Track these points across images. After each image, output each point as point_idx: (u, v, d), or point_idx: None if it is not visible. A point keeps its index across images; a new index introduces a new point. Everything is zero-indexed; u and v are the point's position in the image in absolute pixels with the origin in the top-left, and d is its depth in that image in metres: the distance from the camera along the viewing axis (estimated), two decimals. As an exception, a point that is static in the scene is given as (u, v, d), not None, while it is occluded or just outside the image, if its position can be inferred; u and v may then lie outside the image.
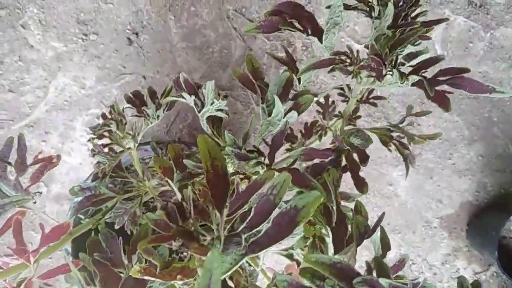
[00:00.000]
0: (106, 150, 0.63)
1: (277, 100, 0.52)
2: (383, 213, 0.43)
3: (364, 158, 0.57)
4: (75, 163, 1.24)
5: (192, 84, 0.48)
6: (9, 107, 1.23)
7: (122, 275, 0.52)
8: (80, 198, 0.64)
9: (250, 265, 0.71)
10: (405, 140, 0.71)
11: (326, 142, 0.67)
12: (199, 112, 0.47)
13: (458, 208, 1.35)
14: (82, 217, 0.74)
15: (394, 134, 0.70)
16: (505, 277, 1.34)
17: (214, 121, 0.47)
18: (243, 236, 0.34)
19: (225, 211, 0.34)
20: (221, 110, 0.46)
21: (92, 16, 1.25)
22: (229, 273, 0.30)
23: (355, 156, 0.58)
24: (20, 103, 1.23)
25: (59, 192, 1.24)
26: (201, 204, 0.34)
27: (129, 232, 0.66)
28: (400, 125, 0.70)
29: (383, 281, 0.32)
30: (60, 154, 1.25)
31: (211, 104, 0.46)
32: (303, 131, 0.66)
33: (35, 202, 0.63)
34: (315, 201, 0.32)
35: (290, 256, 0.72)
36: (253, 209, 0.34)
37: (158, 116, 0.60)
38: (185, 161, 0.44)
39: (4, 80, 1.23)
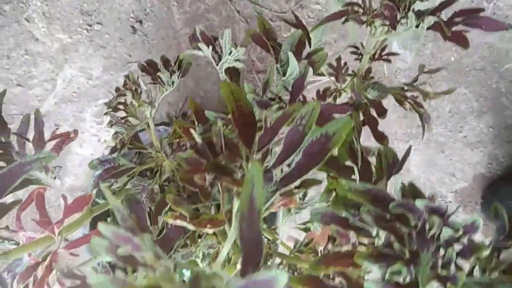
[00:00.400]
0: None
1: (291, 56, 0.52)
2: (410, 146, 0.43)
3: (382, 112, 0.57)
4: (87, 154, 1.25)
5: (209, 36, 0.48)
6: (18, 101, 1.23)
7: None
8: (99, 171, 0.64)
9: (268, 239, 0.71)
10: (419, 100, 0.70)
11: (341, 104, 0.67)
12: (217, 64, 0.47)
13: (471, 181, 1.35)
14: (100, 200, 0.74)
15: (408, 94, 0.70)
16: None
17: (231, 73, 0.47)
18: (274, 171, 0.34)
19: (255, 148, 0.34)
20: (238, 60, 0.46)
21: (96, 6, 1.25)
22: (262, 211, 0.30)
23: (372, 111, 0.58)
24: (29, 96, 1.23)
25: (72, 184, 1.25)
26: (231, 140, 0.34)
27: (147, 210, 0.66)
28: (413, 86, 0.70)
29: (419, 202, 0.32)
30: (71, 146, 1.26)
31: (229, 53, 0.46)
32: (315, 98, 0.66)
33: (54, 178, 0.64)
34: (346, 126, 0.32)
35: (307, 230, 0.72)
36: (282, 143, 0.34)
37: (173, 83, 0.60)
38: (207, 112, 0.44)
39: (12, 75, 1.23)
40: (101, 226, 0.27)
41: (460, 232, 0.33)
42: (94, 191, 0.62)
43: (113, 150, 0.64)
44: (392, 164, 0.37)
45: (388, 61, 0.64)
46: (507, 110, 1.35)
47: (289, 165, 0.34)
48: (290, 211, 0.79)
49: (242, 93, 0.36)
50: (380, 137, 0.55)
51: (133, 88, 0.60)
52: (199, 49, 0.47)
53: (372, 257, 0.31)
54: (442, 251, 0.33)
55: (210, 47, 0.47)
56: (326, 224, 0.34)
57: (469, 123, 1.34)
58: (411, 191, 0.34)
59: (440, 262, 0.33)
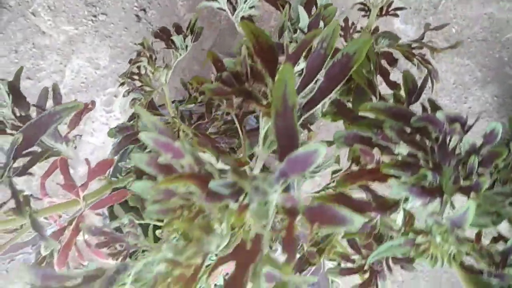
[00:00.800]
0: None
1: (301, 10, 0.53)
2: (428, 74, 0.44)
3: (392, 61, 0.58)
4: (98, 143, 1.26)
5: (223, -12, 0.49)
6: (28, 94, 1.24)
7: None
8: (118, 140, 0.65)
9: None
10: (426, 57, 0.72)
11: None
12: (232, 14, 0.49)
13: (478, 151, 1.36)
14: (119, 176, 0.76)
15: (416, 52, 0.71)
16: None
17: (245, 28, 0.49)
18: (297, 97, 0.35)
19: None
20: (253, 7, 0.48)
21: (99, -3, 1.27)
22: (296, 106, 0.31)
23: (383, 62, 0.60)
24: (39, 89, 1.25)
25: (85, 173, 1.26)
26: (256, 67, 0.36)
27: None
28: (421, 42, 0.71)
29: (439, 114, 0.33)
30: (82, 135, 1.27)
31: (244, 2, 0.47)
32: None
33: (75, 147, 0.65)
34: (366, 44, 0.33)
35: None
36: (304, 68, 0.35)
37: (186, 47, 0.61)
38: (225, 60, 0.45)
39: (21, 68, 1.25)
40: (142, 134, 0.28)
41: (480, 142, 0.34)
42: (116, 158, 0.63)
43: (131, 117, 0.65)
44: (412, 89, 0.39)
45: (396, 15, 0.65)
46: (511, 78, 1.36)
47: (312, 89, 0.35)
48: (304, 176, 0.81)
49: (261, 30, 0.37)
50: (393, 85, 0.56)
51: (148, 55, 0.62)
52: (216, 0, 0.49)
53: (398, 166, 0.32)
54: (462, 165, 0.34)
55: (225, -1, 0.48)
56: (350, 145, 0.36)
57: (474, 94, 1.35)
58: (431, 107, 0.35)
59: (461, 174, 0.34)
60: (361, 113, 0.36)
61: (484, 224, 0.36)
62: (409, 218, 0.36)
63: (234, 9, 0.49)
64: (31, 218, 0.40)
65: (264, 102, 0.36)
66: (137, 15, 1.28)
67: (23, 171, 0.41)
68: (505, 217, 0.35)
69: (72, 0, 1.26)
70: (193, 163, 0.28)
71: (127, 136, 0.64)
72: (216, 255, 0.31)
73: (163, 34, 0.61)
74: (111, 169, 0.73)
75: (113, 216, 0.68)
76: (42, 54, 1.25)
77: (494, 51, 1.35)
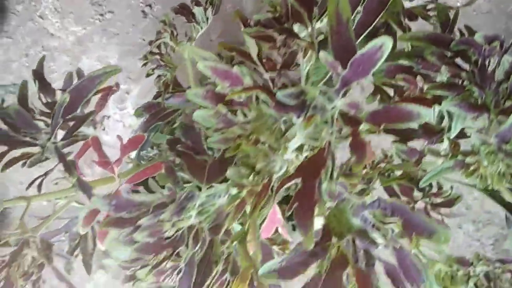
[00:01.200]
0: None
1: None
2: (458, 10, 0.45)
3: (413, 16, 0.59)
4: (113, 141, 1.27)
5: None
6: (41, 96, 1.26)
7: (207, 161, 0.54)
8: (145, 118, 0.66)
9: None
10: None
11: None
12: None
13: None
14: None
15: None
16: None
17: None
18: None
19: (316, 15, 0.36)
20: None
21: (105, -4, 1.28)
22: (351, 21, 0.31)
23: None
24: (51, 90, 1.26)
25: (102, 171, 1.27)
26: (295, 9, 0.36)
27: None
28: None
29: (477, 36, 0.34)
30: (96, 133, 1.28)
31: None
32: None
33: (104, 129, 0.66)
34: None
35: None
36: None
37: (207, 19, 0.62)
38: (255, 16, 0.46)
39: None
40: (200, 64, 0.29)
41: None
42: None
43: (157, 95, 0.66)
44: (445, 21, 0.39)
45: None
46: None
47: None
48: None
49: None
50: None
51: (170, 31, 0.63)
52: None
53: (443, 87, 0.33)
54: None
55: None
56: (392, 76, 0.37)
57: None
58: (468, 32, 0.36)
59: (503, 94, 0.35)
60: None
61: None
62: (455, 145, 0.37)
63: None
64: (78, 180, 0.41)
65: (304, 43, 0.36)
66: (143, 11, 1.29)
67: (68, 135, 0.42)
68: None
69: (78, 1, 1.27)
70: (251, 83, 0.28)
71: (154, 113, 0.65)
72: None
73: (183, 9, 0.62)
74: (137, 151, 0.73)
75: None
76: (52, 55, 1.26)
77: (501, 23, 1.36)
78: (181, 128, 0.57)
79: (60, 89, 0.66)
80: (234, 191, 0.29)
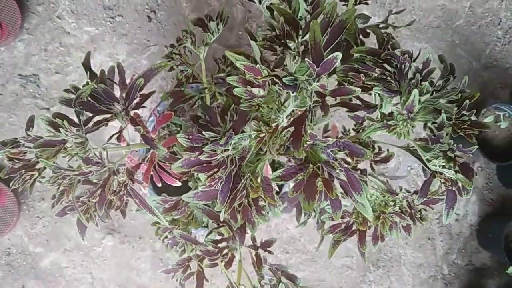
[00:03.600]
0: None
1: (302, 2, 0.77)
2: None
3: (365, 35, 0.83)
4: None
5: (254, -15, 0.73)
6: (57, 86, 1.45)
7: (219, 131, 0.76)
8: (170, 101, 0.88)
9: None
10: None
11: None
12: (260, 3, 0.73)
13: (439, 119, 1.63)
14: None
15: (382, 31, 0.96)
16: (488, 170, 1.63)
17: (270, 10, 0.72)
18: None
19: (301, 33, 0.59)
20: (276, -3, 0.72)
21: (115, 1, 1.48)
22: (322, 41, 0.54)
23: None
24: (67, 82, 1.46)
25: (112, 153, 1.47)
26: (287, 30, 0.59)
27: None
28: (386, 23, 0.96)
29: (396, 51, 0.58)
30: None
31: (269, -6, 0.71)
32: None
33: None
34: (352, 13, 0.58)
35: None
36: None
37: (218, 30, 0.85)
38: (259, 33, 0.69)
39: (50, 64, 1.46)
40: (237, 63, 0.52)
41: (420, 67, 0.59)
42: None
43: (178, 85, 0.88)
44: (381, 41, 0.63)
45: (367, 3, 0.90)
46: (462, 58, 1.64)
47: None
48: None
49: (285, 9, 0.62)
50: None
51: (190, 37, 0.85)
52: (248, -7, 0.73)
53: (375, 79, 0.57)
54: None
55: (256, -8, 0.72)
56: (346, 73, 0.60)
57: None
58: (392, 48, 0.60)
59: (412, 85, 0.59)
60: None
61: (429, 119, 0.61)
62: (383, 115, 0.60)
63: (260, 1, 0.72)
64: (143, 135, 0.62)
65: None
66: (148, 16, 1.50)
67: (137, 106, 0.64)
68: (440, 111, 0.59)
69: (92, 5, 1.47)
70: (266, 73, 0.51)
71: (177, 97, 0.87)
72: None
73: (200, 22, 0.84)
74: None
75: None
76: (68, 51, 1.46)
77: (447, 36, 1.63)
78: (202, 108, 0.80)
79: (108, 78, 0.87)
80: (254, 134, 0.52)
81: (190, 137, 0.51)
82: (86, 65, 0.86)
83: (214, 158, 0.52)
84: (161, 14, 1.51)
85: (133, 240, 1.46)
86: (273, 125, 0.50)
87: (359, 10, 0.95)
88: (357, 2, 0.90)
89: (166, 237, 0.88)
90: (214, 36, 0.86)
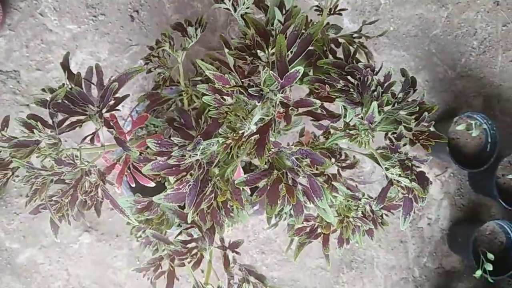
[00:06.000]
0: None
1: (276, 10, 0.80)
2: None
3: (337, 43, 0.86)
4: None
5: (229, -5, 0.75)
6: (38, 83, 1.46)
7: (193, 134, 0.78)
8: (146, 103, 0.90)
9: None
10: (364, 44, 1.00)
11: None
12: (235, 11, 0.75)
13: (414, 125, 1.68)
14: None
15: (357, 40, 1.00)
16: (460, 176, 1.68)
17: (244, 17, 0.75)
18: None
19: (271, 44, 0.62)
20: (248, 7, 0.74)
21: (98, 0, 1.49)
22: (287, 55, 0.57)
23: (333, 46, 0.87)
24: (47, 78, 1.46)
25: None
26: (258, 41, 0.62)
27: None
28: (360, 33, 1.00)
29: (360, 64, 0.61)
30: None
31: (243, 4, 0.73)
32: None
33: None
34: (319, 27, 0.61)
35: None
36: (286, 41, 0.62)
37: (196, 35, 0.87)
38: (233, 40, 0.72)
39: (31, 61, 1.46)
40: (206, 71, 0.54)
41: (382, 80, 0.62)
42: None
43: (155, 87, 0.90)
44: (347, 54, 0.66)
45: (340, 14, 0.93)
46: (438, 66, 1.69)
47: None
48: (279, 132, 1.07)
49: (258, 21, 0.64)
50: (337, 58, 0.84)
51: (169, 41, 0.87)
52: (223, 2, 0.75)
53: (339, 91, 0.60)
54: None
55: (231, 1, 0.74)
56: (311, 84, 0.63)
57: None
58: (356, 62, 0.63)
59: (374, 97, 0.62)
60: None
61: (390, 129, 0.64)
62: (347, 125, 0.63)
63: (235, 9, 0.75)
64: (116, 137, 0.64)
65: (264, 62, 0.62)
66: (131, 16, 1.51)
67: (110, 109, 0.66)
68: (400, 122, 0.63)
69: (75, 2, 1.48)
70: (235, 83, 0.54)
71: (153, 99, 0.89)
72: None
73: (179, 27, 0.87)
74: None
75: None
76: (50, 48, 1.46)
77: (424, 44, 1.68)
78: (177, 111, 0.82)
79: (85, 78, 0.89)
80: (222, 140, 0.54)
81: (159, 141, 0.54)
82: (65, 65, 0.87)
83: (183, 162, 0.54)
84: (144, 14, 1.52)
85: (110, 238, 1.47)
86: (240, 132, 0.53)
87: (338, 18, 0.98)
88: (331, 12, 0.93)
89: (140, 236, 0.90)
90: (192, 41, 0.88)
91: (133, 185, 0.81)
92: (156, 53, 0.92)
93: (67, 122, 0.69)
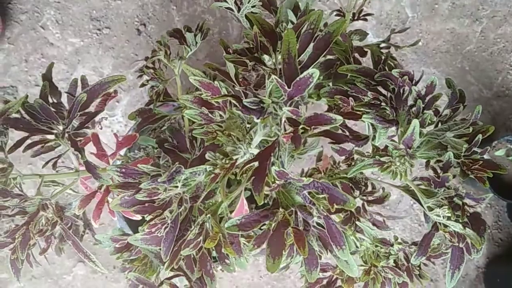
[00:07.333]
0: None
1: (290, 13, 0.67)
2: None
3: (363, 53, 0.72)
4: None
5: (232, -7, 0.63)
6: (36, 99, 1.36)
7: (188, 158, 0.65)
8: (138, 121, 0.78)
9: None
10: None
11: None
12: (238, 11, 0.63)
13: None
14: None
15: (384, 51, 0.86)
16: (498, 207, 1.50)
17: (249, 20, 0.62)
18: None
19: (277, 51, 0.49)
20: (254, 6, 0.61)
21: (103, 13, 1.40)
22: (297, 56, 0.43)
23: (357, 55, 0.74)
24: (46, 95, 1.36)
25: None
26: (263, 43, 0.49)
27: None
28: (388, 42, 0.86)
29: (394, 71, 0.47)
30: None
31: (248, 2, 0.61)
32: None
33: (101, 128, 0.77)
34: (341, 24, 0.47)
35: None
36: (298, 42, 0.49)
37: (196, 43, 0.75)
38: (234, 45, 0.59)
39: (30, 76, 1.37)
40: (191, 78, 0.41)
41: (423, 92, 0.48)
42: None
43: (149, 103, 0.78)
44: (377, 60, 0.52)
45: (365, 20, 0.80)
46: (473, 85, 1.53)
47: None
48: (293, 157, 0.93)
49: (264, 20, 0.51)
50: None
51: (164, 50, 0.75)
52: (225, 1, 0.63)
53: (367, 105, 0.46)
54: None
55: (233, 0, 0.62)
56: (332, 96, 0.49)
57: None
58: (389, 68, 0.49)
59: (413, 115, 0.48)
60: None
61: (432, 155, 0.49)
62: (376, 149, 0.49)
63: (239, 9, 0.62)
64: (86, 161, 0.52)
65: (270, 64, 0.49)
66: (137, 29, 1.41)
67: (80, 126, 0.53)
68: (446, 147, 0.48)
69: (79, 15, 1.39)
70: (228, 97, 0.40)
71: (145, 117, 0.77)
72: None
73: (176, 33, 0.74)
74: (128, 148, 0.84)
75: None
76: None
77: (456, 61, 1.53)
78: (170, 130, 0.69)
79: (67, 92, 0.77)
80: (209, 168, 0.41)
81: (123, 170, 0.40)
82: (47, 77, 0.76)
83: (156, 198, 0.41)
84: (151, 27, 1.42)
85: (106, 270, 1.34)
86: (234, 158, 0.39)
87: (361, 31, 0.85)
88: (355, 18, 0.80)
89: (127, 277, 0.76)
90: (191, 50, 0.76)
91: (115, 218, 0.68)
92: (151, 63, 0.79)
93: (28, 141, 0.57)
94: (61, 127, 0.54)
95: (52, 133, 0.55)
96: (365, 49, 0.71)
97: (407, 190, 0.56)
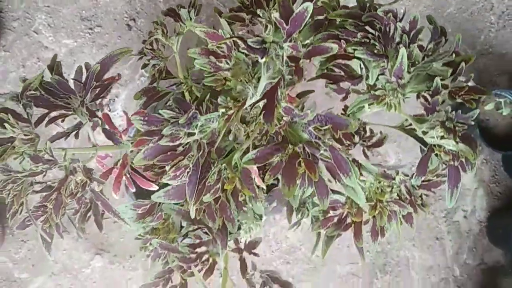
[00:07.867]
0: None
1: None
2: None
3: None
4: (104, 139, 1.41)
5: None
6: (37, 102, 1.39)
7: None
8: (144, 99, 0.81)
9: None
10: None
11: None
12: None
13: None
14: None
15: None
16: (493, 162, 1.55)
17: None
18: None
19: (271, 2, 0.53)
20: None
21: (93, 12, 1.43)
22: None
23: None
24: (46, 97, 1.39)
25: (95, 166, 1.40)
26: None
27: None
28: None
29: (378, 11, 0.51)
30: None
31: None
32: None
33: (109, 110, 0.81)
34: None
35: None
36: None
37: (191, 18, 0.79)
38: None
39: (28, 81, 1.40)
40: (197, 29, 0.45)
41: (407, 28, 0.52)
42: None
43: (152, 81, 0.82)
44: (363, 5, 0.57)
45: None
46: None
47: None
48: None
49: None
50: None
51: (161, 29, 0.79)
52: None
53: (357, 44, 0.50)
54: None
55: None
56: (325, 40, 0.53)
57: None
58: (374, 9, 0.53)
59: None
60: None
61: (422, 88, 0.54)
62: (370, 87, 0.53)
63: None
64: (103, 128, 0.55)
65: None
66: (128, 24, 1.45)
67: (96, 96, 0.57)
68: (434, 76, 0.52)
69: (69, 17, 1.42)
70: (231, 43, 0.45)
71: (150, 95, 0.81)
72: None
73: (171, 12, 0.78)
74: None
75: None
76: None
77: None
78: (175, 101, 0.73)
79: (73, 79, 0.81)
80: (222, 110, 0.45)
81: (146, 118, 0.44)
82: (52, 66, 0.79)
83: (178, 143, 0.45)
84: (141, 21, 1.45)
85: (123, 260, 1.38)
86: (243, 98, 0.43)
87: None
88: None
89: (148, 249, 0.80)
90: (186, 26, 0.79)
91: (133, 190, 0.72)
92: (149, 44, 0.83)
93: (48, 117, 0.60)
94: (78, 102, 0.58)
95: (69, 108, 0.59)
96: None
97: (402, 128, 0.60)
